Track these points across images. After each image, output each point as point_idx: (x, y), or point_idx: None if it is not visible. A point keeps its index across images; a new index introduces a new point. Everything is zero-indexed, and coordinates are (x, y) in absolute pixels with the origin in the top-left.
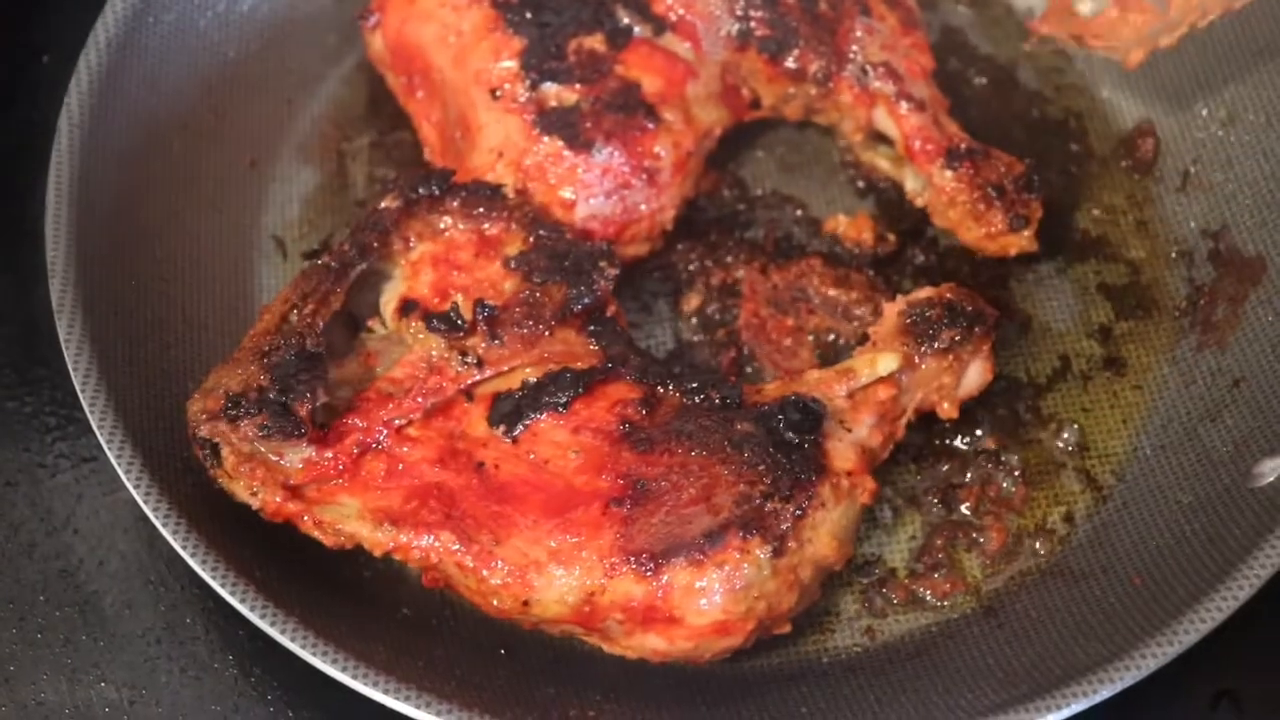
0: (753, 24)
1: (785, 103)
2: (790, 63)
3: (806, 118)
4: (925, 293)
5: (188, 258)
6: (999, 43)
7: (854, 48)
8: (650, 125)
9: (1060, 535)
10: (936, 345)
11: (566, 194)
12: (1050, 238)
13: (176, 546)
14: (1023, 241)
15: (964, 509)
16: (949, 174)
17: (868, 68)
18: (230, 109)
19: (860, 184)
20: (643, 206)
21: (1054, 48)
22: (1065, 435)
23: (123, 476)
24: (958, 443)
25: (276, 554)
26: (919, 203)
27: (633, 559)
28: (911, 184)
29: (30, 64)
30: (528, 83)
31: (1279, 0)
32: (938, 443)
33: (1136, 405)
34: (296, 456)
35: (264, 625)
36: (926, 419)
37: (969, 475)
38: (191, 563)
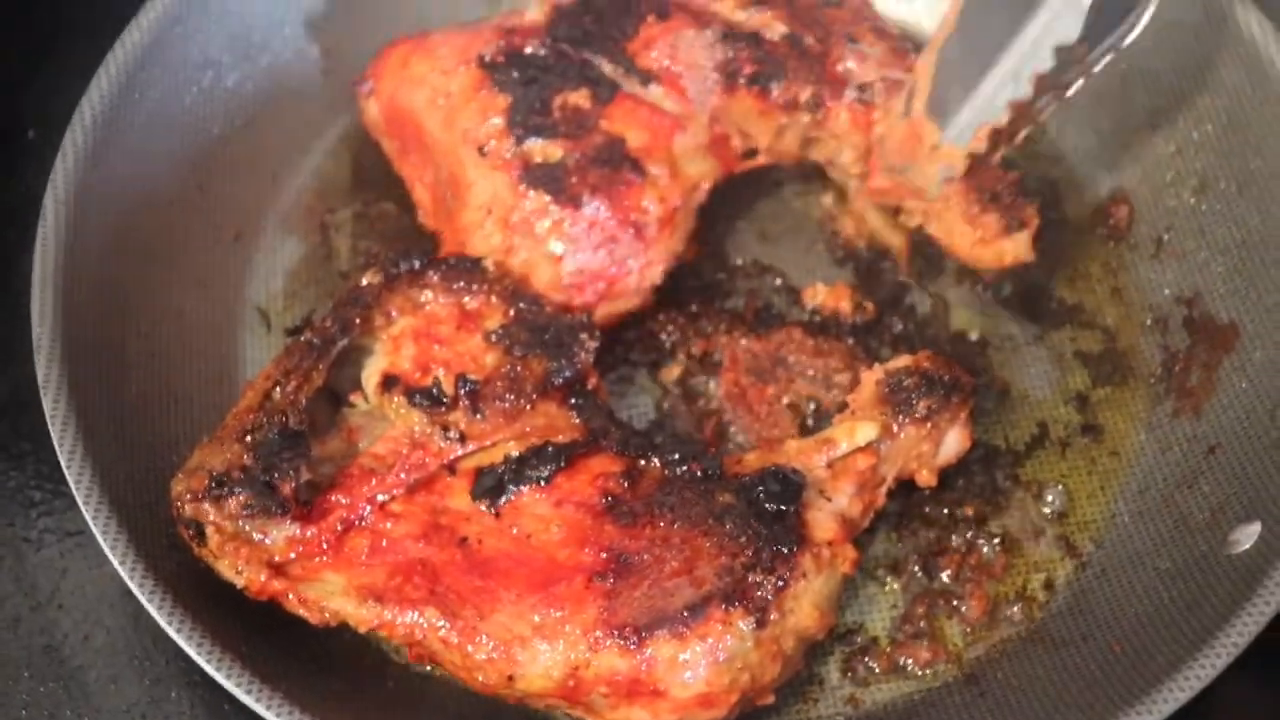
0: (739, 64)
1: (779, 138)
2: (780, 93)
3: (803, 154)
4: (902, 361)
5: (172, 332)
6: None
7: (846, 70)
8: (636, 179)
9: (1040, 602)
10: (914, 414)
11: (554, 248)
12: (1026, 305)
13: (163, 623)
14: (1019, 247)
15: (945, 576)
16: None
17: (865, 85)
18: (215, 183)
19: (839, 253)
20: (630, 261)
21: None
22: (1044, 502)
23: (109, 553)
24: (938, 510)
25: (262, 629)
26: (918, 219)
27: (616, 632)
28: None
29: (16, 138)
30: (513, 139)
31: (1245, 75)
32: (918, 510)
33: (1114, 472)
34: (280, 534)
35: (250, 701)
36: (906, 487)
37: (949, 543)
38: (178, 639)
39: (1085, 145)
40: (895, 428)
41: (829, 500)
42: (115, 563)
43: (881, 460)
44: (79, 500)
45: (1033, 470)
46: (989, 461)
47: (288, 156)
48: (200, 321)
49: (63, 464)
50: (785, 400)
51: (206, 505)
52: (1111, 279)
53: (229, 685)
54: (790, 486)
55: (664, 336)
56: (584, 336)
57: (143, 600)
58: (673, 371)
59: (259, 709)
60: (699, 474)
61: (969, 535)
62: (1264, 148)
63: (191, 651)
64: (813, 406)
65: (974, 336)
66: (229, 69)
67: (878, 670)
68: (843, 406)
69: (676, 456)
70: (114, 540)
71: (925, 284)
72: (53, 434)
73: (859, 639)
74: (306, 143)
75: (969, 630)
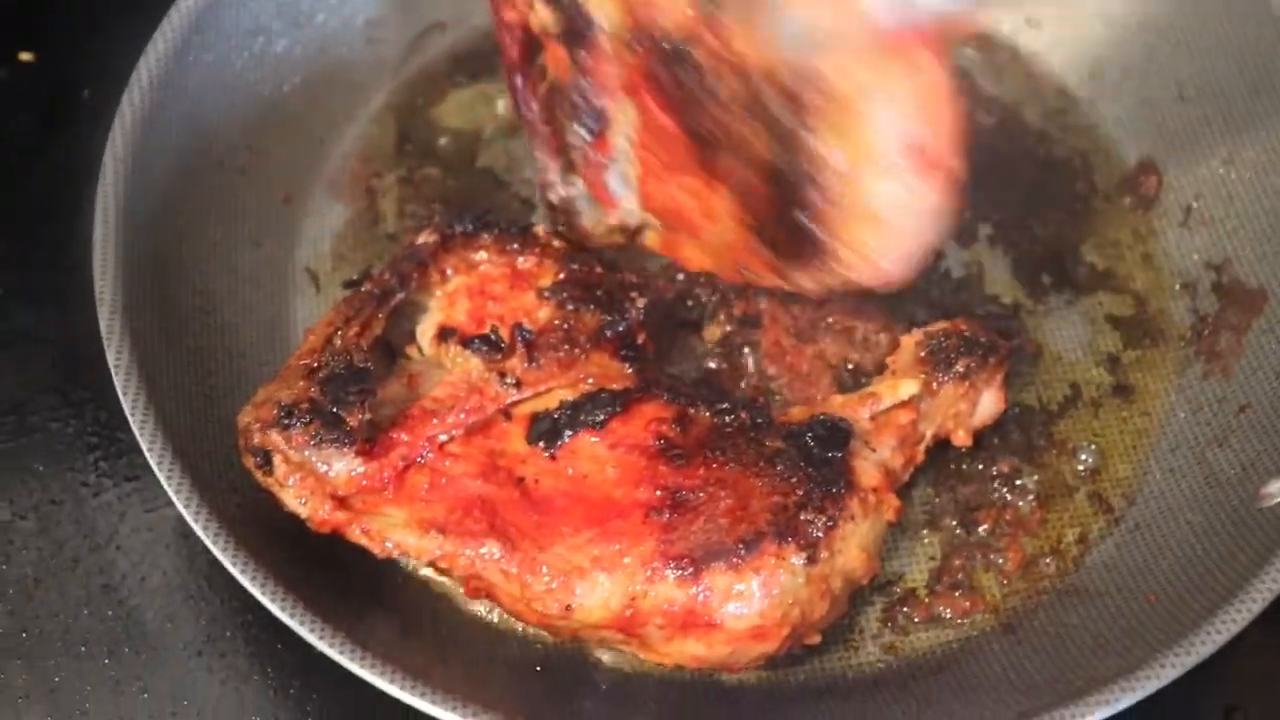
0: None
1: None
2: None
3: None
4: (941, 325)
5: (227, 289)
6: (1004, 84)
7: None
8: None
9: (1075, 556)
10: (953, 373)
11: None
12: (1059, 272)
13: (226, 562)
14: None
15: (981, 531)
16: None
17: None
18: (265, 146)
19: None
20: None
21: (1058, 86)
22: (1078, 460)
23: (172, 495)
24: (975, 467)
25: (319, 570)
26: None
27: (673, 564)
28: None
29: (71, 97)
30: None
31: (1275, 46)
32: (955, 467)
33: (1145, 431)
34: (344, 467)
35: (311, 637)
36: (944, 446)
37: (986, 498)
38: (241, 578)
39: (1114, 115)
40: (935, 385)
41: (873, 450)
42: (180, 505)
43: (921, 417)
44: (143, 446)
45: (1066, 429)
46: (1024, 421)
47: (334, 122)
48: (253, 280)
49: (126, 411)
50: (825, 361)
51: (274, 434)
52: (1141, 245)
53: (291, 622)
54: (839, 433)
55: (706, 297)
56: (634, 294)
57: (206, 540)
58: (715, 331)
59: (320, 645)
60: (749, 421)
61: (1005, 491)
62: None
63: (255, 590)
64: (851, 367)
65: (1008, 300)
66: (278, 35)
67: (916, 620)
68: (880, 368)
69: (726, 405)
70: (178, 484)
71: (960, 249)
72: (116, 383)
73: (898, 589)
74: (352, 109)
75: (1006, 582)
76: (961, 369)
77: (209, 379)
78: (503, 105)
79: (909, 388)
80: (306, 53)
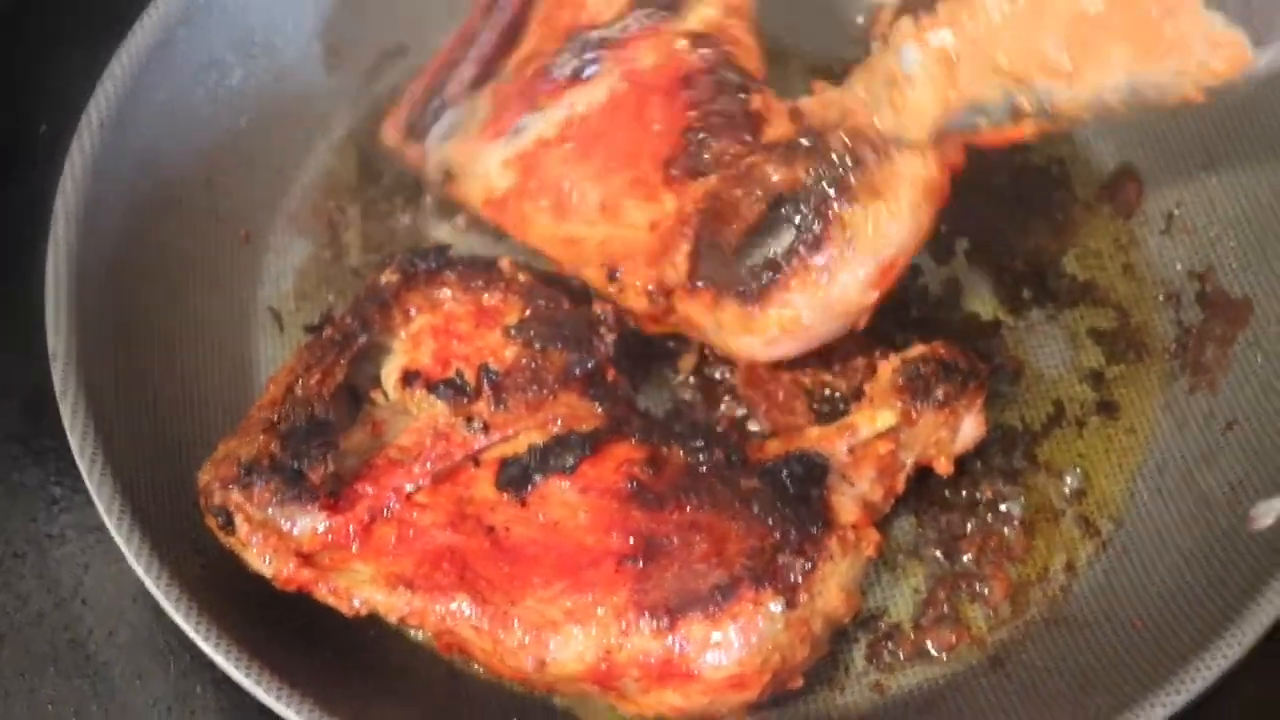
0: None
1: None
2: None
3: None
4: (918, 350)
5: (187, 334)
6: None
7: None
8: None
9: (1062, 583)
10: (932, 400)
11: None
12: (1039, 285)
13: (188, 630)
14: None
15: (966, 559)
16: None
17: None
18: (223, 183)
19: None
20: None
21: None
22: (1063, 482)
23: (132, 560)
24: (957, 494)
25: (287, 630)
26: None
27: (648, 614)
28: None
29: (27, 132)
30: None
31: None
32: (937, 495)
33: (1131, 449)
34: (309, 523)
35: (276, 705)
36: (925, 473)
37: (970, 526)
38: (203, 645)
39: (1096, 125)
40: (914, 414)
41: (851, 485)
42: (139, 570)
43: (901, 446)
44: (100, 508)
45: (1050, 450)
46: (1006, 443)
47: (294, 154)
48: (214, 323)
49: (83, 472)
50: (801, 387)
51: (235, 493)
52: (1122, 255)
53: (255, 690)
54: (815, 469)
55: None
56: (602, 329)
57: (167, 606)
58: (688, 361)
59: (286, 713)
60: (723, 460)
61: (989, 518)
62: (1271, 119)
63: (218, 657)
64: (829, 393)
65: (986, 317)
66: (233, 67)
67: (902, 655)
68: (858, 392)
69: (699, 444)
70: (137, 548)
71: (937, 266)
72: (71, 443)
73: (882, 624)
74: (312, 140)
75: (992, 613)
76: (940, 396)
77: (170, 431)
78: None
79: (887, 418)
80: (263, 84)
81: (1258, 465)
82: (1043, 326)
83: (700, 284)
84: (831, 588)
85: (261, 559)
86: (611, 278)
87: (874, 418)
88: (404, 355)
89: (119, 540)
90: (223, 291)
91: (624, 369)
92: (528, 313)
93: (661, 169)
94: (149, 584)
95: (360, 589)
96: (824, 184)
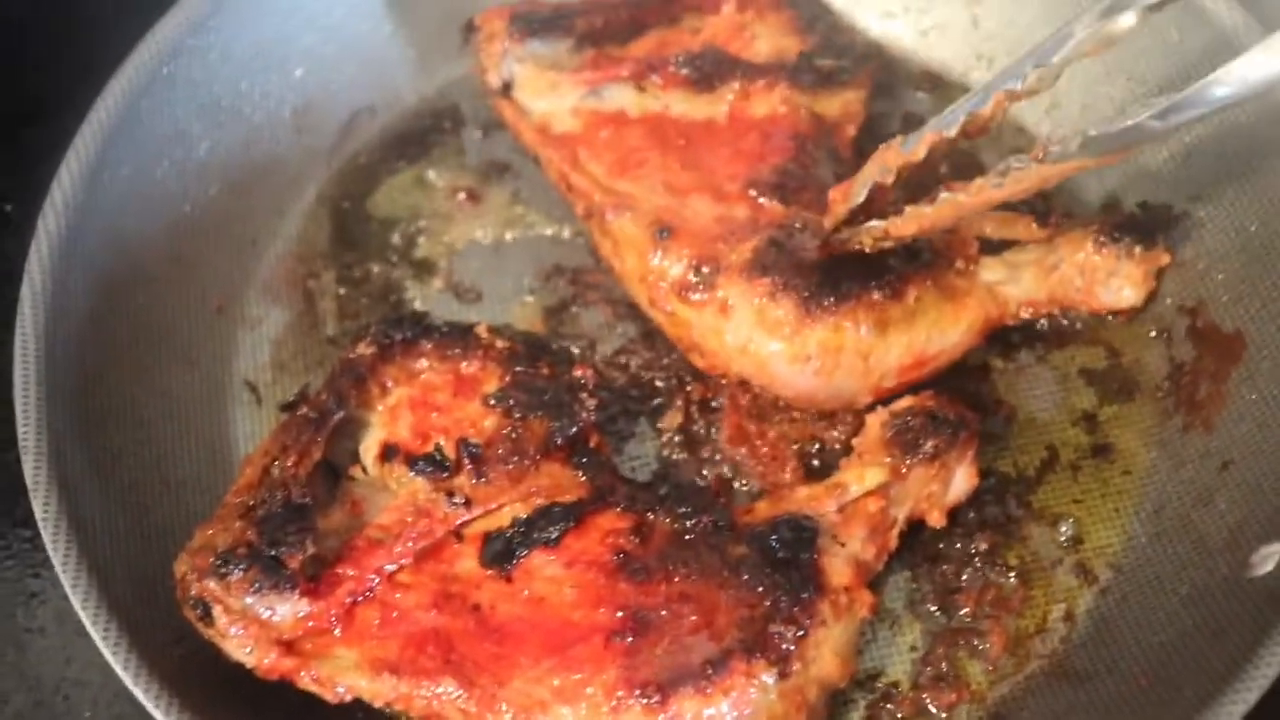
0: None
1: None
2: None
3: None
4: (906, 402)
5: (162, 414)
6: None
7: None
8: None
9: (1061, 634)
10: (921, 454)
11: None
12: (1026, 325)
13: None
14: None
15: (963, 614)
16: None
17: None
18: (194, 255)
19: None
20: None
21: (1015, 124)
22: (1059, 530)
23: (108, 656)
24: (951, 547)
25: (275, 715)
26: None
27: (639, 691)
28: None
29: None
30: None
31: None
32: (931, 549)
33: (1127, 492)
34: (289, 610)
35: None
36: (918, 526)
37: (965, 579)
38: None
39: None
40: (903, 469)
41: (842, 545)
42: (117, 667)
43: (891, 502)
44: (75, 603)
45: (1045, 497)
46: (1000, 491)
47: (266, 222)
48: (189, 400)
49: (57, 568)
50: (789, 442)
51: (213, 583)
52: None
53: None
54: (804, 533)
55: (661, 383)
56: (584, 395)
57: (146, 703)
58: (674, 419)
59: None
60: (710, 526)
61: (984, 570)
62: (1257, 152)
63: None
64: (817, 447)
65: (975, 362)
66: (199, 138)
67: (901, 716)
68: (847, 444)
69: (686, 510)
70: (114, 642)
71: None
72: (44, 537)
73: (880, 684)
74: (284, 206)
75: (991, 668)
76: (930, 449)
77: (146, 517)
78: (441, 186)
79: (876, 475)
80: (231, 152)
81: (1255, 507)
82: (1033, 369)
83: (761, 270)
84: (825, 653)
85: (242, 649)
86: (660, 235)
87: (863, 475)
88: (382, 430)
89: (95, 636)
90: (197, 367)
91: (607, 431)
92: (507, 380)
93: (742, 185)
94: (127, 680)
95: (344, 675)
96: (911, 259)
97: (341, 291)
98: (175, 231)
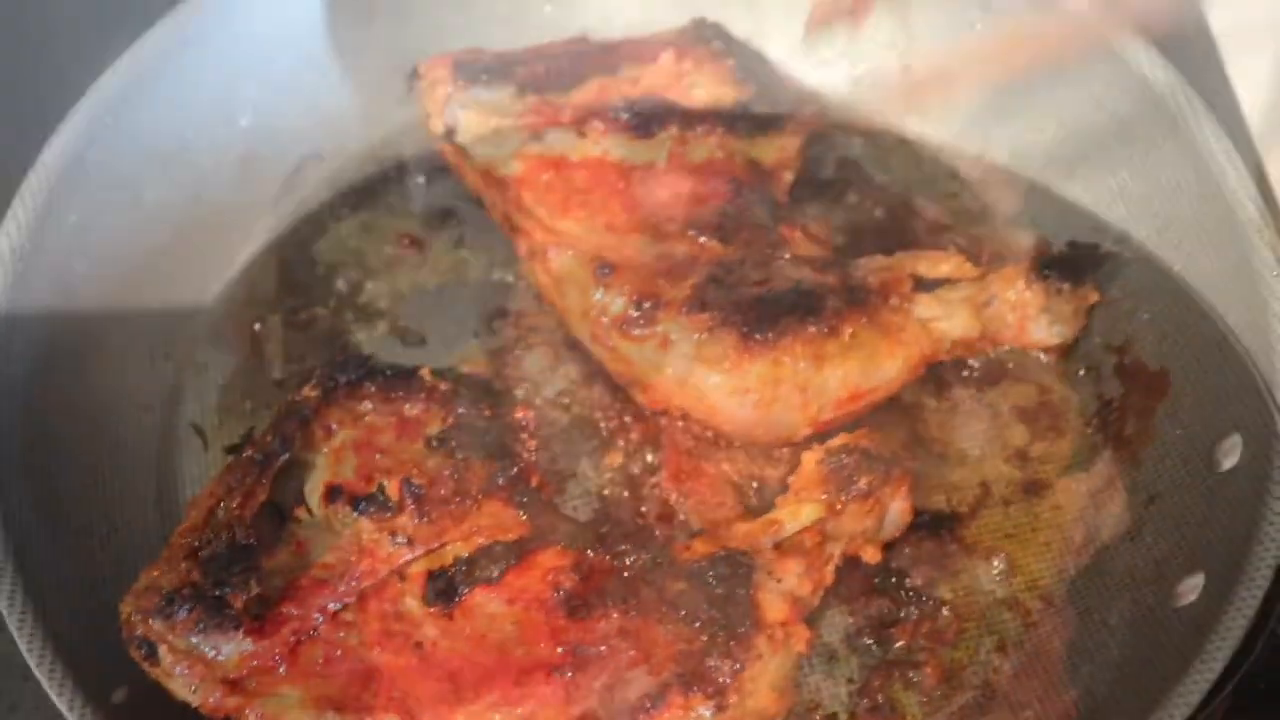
0: None
1: None
2: None
3: None
4: (840, 440)
5: (109, 460)
6: (893, 172)
7: None
8: None
9: (995, 665)
10: (855, 491)
11: None
12: (959, 364)
13: None
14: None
15: (898, 647)
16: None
17: None
18: (141, 303)
19: None
20: None
21: (948, 172)
22: (992, 564)
23: (54, 697)
24: (887, 581)
25: None
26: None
27: None
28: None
29: None
30: None
31: (1154, 121)
32: (867, 583)
33: (1058, 527)
34: (233, 649)
35: None
36: (854, 561)
37: (901, 613)
38: None
39: (1006, 199)
40: (838, 505)
41: (778, 581)
42: (63, 708)
43: (827, 537)
44: (21, 647)
45: (977, 531)
46: (934, 527)
47: (213, 268)
48: (137, 446)
49: (3, 611)
50: (728, 480)
51: (157, 623)
52: None
53: None
54: (740, 569)
55: (602, 424)
56: (525, 436)
57: None
58: (614, 458)
59: None
60: (648, 563)
61: (920, 603)
62: (1178, 193)
63: None
64: (755, 485)
65: (908, 400)
66: (147, 185)
67: None
68: (784, 481)
69: (624, 548)
70: (60, 684)
71: None
72: None
73: (817, 717)
74: (231, 253)
75: (926, 699)
76: (864, 486)
77: (92, 559)
78: (386, 233)
79: (810, 512)
80: (178, 200)
81: (1180, 540)
82: (966, 406)
83: (700, 306)
84: (762, 687)
85: (187, 688)
86: (601, 272)
87: (798, 512)
88: (326, 471)
89: (41, 677)
90: (146, 413)
91: (548, 471)
92: (449, 421)
93: (681, 225)
94: None
95: (289, 713)
96: (847, 296)
97: (287, 335)
98: (123, 279)
